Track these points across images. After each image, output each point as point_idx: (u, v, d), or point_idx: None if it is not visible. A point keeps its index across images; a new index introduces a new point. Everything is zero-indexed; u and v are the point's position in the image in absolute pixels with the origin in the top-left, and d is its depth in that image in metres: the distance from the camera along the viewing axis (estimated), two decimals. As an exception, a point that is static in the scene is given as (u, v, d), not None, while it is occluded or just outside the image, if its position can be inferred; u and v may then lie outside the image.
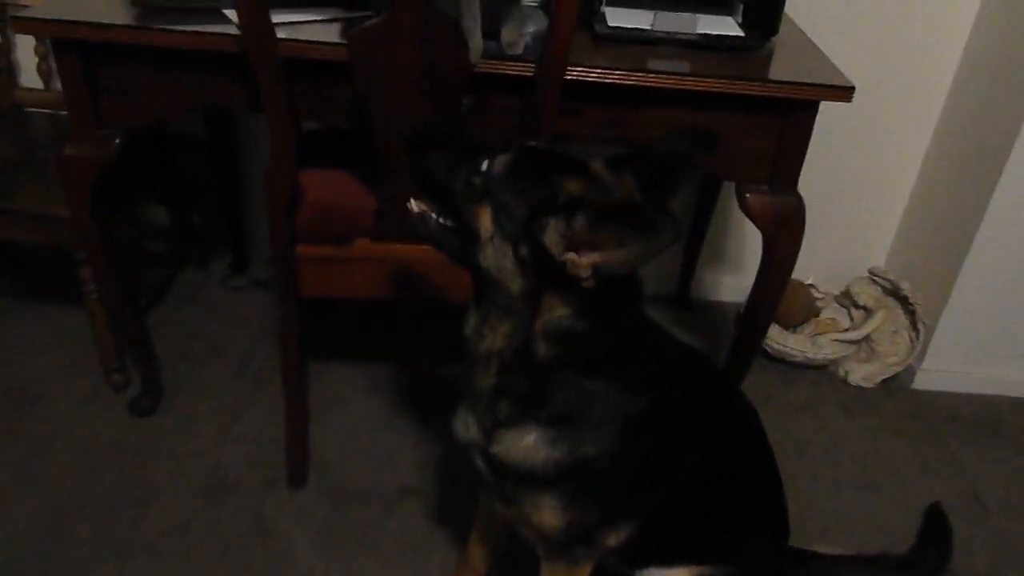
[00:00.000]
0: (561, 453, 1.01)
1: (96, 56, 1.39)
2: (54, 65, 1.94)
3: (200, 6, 1.39)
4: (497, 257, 0.93)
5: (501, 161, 0.95)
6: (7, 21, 1.90)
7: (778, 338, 2.12)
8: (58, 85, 1.96)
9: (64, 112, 1.91)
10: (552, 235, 0.88)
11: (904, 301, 2.12)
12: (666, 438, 1.06)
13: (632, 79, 1.35)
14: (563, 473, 1.01)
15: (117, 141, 1.47)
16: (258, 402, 1.86)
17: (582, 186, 0.92)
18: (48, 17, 1.35)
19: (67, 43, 1.38)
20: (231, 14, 1.35)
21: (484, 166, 0.95)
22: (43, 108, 1.99)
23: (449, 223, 1.00)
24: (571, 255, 0.88)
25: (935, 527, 1.55)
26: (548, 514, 1.07)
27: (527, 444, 1.02)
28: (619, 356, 0.99)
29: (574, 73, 1.31)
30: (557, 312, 0.94)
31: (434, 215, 1.02)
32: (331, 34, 1.36)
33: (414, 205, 1.04)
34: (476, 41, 1.26)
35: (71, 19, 1.34)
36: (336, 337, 2.07)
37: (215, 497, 1.63)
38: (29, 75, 2.01)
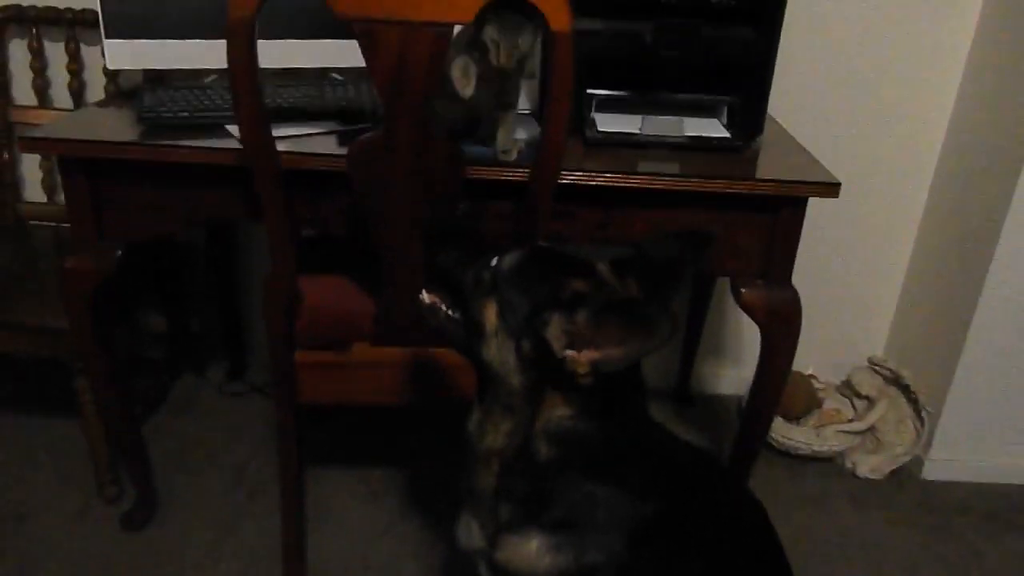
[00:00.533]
0: (566, 560, 0.98)
1: (100, 171, 1.43)
2: (58, 179, 2.01)
3: (203, 122, 1.44)
4: (500, 351, 0.95)
5: (511, 259, 0.98)
6: (13, 139, 1.96)
7: (782, 430, 2.09)
8: (61, 198, 2.02)
9: (66, 224, 1.95)
10: (554, 330, 0.90)
11: (906, 390, 2.11)
12: (674, 545, 1.03)
13: (624, 182, 1.38)
14: None
15: (118, 253, 1.49)
16: (254, 513, 1.81)
17: (586, 285, 0.94)
18: (55, 136, 1.40)
19: (72, 160, 1.42)
20: (233, 129, 1.40)
21: (494, 262, 0.98)
22: (46, 221, 2.02)
23: (457, 316, 1.03)
24: (571, 352, 0.90)
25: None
26: None
27: (530, 550, 1.00)
28: (623, 458, 0.98)
29: (567, 177, 1.35)
30: (558, 411, 0.94)
31: (444, 307, 1.05)
32: (329, 146, 1.40)
33: (425, 297, 1.07)
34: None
35: (78, 138, 1.39)
36: (334, 442, 2.04)
37: (209, 616, 1.57)
38: (33, 188, 2.05)
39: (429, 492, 1.91)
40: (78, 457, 1.90)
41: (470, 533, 1.07)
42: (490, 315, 0.96)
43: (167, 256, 2.07)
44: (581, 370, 0.89)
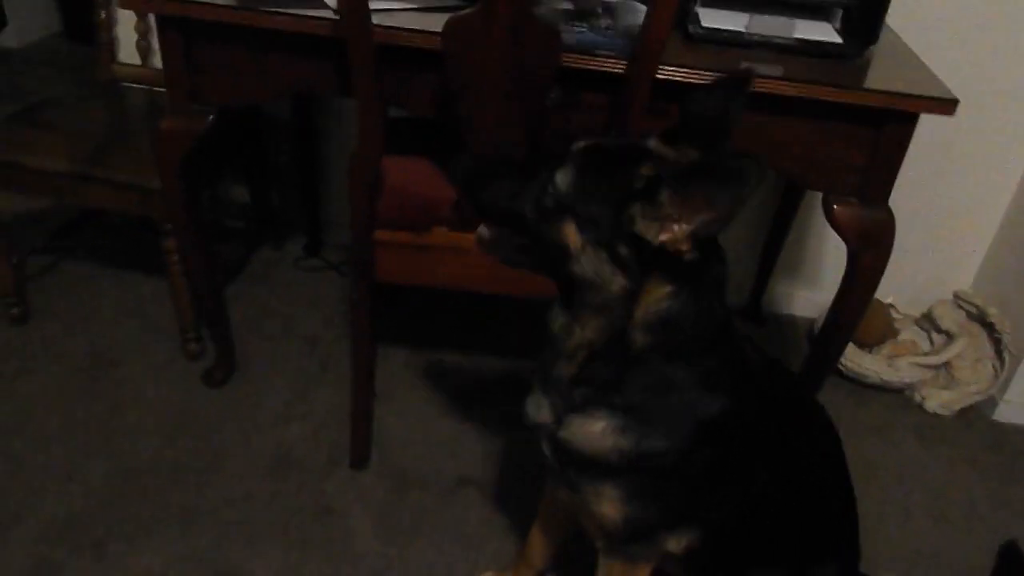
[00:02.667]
0: (628, 443, 1.00)
1: (196, 34, 1.43)
2: (152, 42, 2.03)
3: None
4: (593, 264, 0.93)
5: (565, 175, 0.96)
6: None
7: (853, 357, 2.05)
8: (155, 62, 2.05)
9: (158, 88, 1.99)
10: (643, 222, 0.89)
11: (990, 328, 2.03)
12: (739, 446, 1.03)
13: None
14: (627, 463, 1.00)
15: (210, 118, 1.51)
16: (325, 383, 1.89)
17: (650, 167, 0.92)
18: (154, -5, 1.40)
19: (170, 20, 1.43)
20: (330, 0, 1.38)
21: (550, 186, 0.96)
22: (139, 83, 2.06)
23: (526, 242, 1.01)
24: (666, 235, 0.88)
25: (1009, 566, 1.47)
26: (608, 505, 1.06)
27: (595, 430, 1.02)
28: (705, 344, 0.98)
29: (665, 72, 1.29)
30: (656, 299, 0.94)
31: (507, 238, 1.03)
32: (422, 21, 1.37)
33: (485, 233, 1.06)
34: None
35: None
36: (405, 322, 2.09)
37: (279, 471, 1.67)
38: (128, 51, 2.08)
39: (495, 378, 1.96)
40: (165, 313, 2.01)
41: (539, 409, 1.10)
42: (569, 234, 0.94)
43: (253, 128, 2.09)
44: (684, 246, 0.88)
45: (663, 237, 0.88)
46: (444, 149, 1.50)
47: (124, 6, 1.41)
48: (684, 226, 0.87)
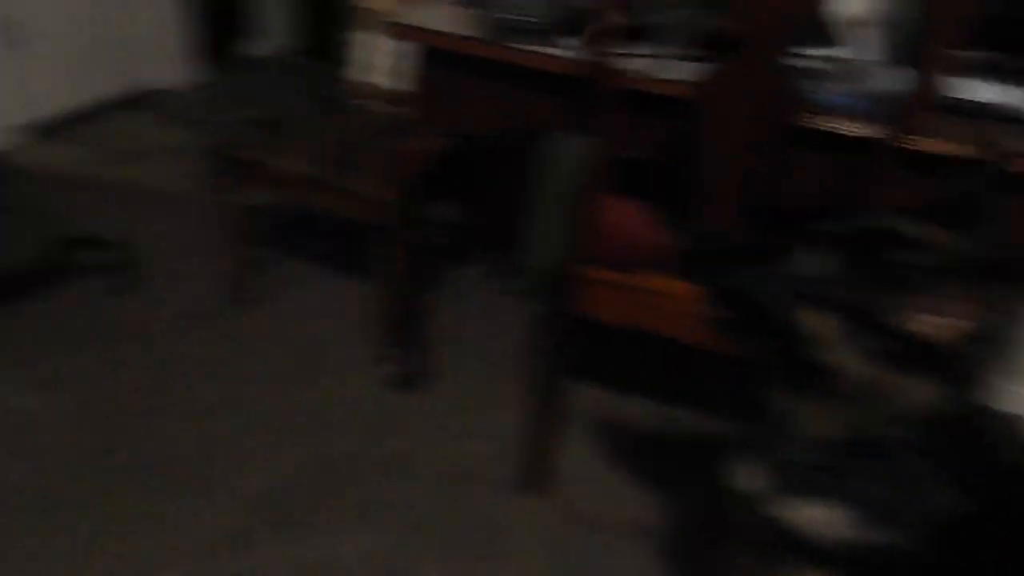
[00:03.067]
0: (859, 535, 0.94)
1: (444, 63, 1.54)
2: (391, 65, 2.19)
3: (545, 29, 1.49)
4: (846, 355, 0.89)
5: (815, 258, 0.91)
6: (357, 21, 2.15)
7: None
8: (389, 82, 2.21)
9: (394, 108, 2.14)
10: (913, 315, 0.84)
11: None
12: (979, 553, 0.95)
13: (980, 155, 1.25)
14: (850, 554, 0.95)
15: (448, 142, 1.61)
16: (510, 405, 1.94)
17: (919, 254, 0.86)
18: (417, 25, 1.52)
19: (427, 50, 1.54)
20: (572, 41, 1.43)
21: (799, 270, 0.91)
22: (373, 101, 2.22)
23: (761, 327, 0.96)
24: (944, 328, 0.82)
25: None
26: None
27: (825, 517, 0.97)
28: (959, 442, 0.91)
29: (915, 142, 1.24)
30: (915, 395, 0.88)
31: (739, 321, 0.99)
32: (662, 69, 1.39)
33: (715, 311, 1.01)
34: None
35: (436, 29, 1.50)
36: (600, 359, 2.10)
37: (458, 484, 1.72)
38: (366, 70, 2.26)
39: (682, 430, 1.93)
40: (368, 317, 2.14)
41: (751, 479, 1.07)
42: (821, 323, 0.89)
43: (469, 151, 2.20)
44: (960, 344, 0.82)
45: (935, 333, 0.83)
46: (661, 192, 1.53)
47: (386, 34, 1.53)
48: (960, 323, 0.81)
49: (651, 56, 1.40)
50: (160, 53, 3.27)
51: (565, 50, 1.43)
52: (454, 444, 1.82)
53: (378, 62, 2.19)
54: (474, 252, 2.44)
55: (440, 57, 1.53)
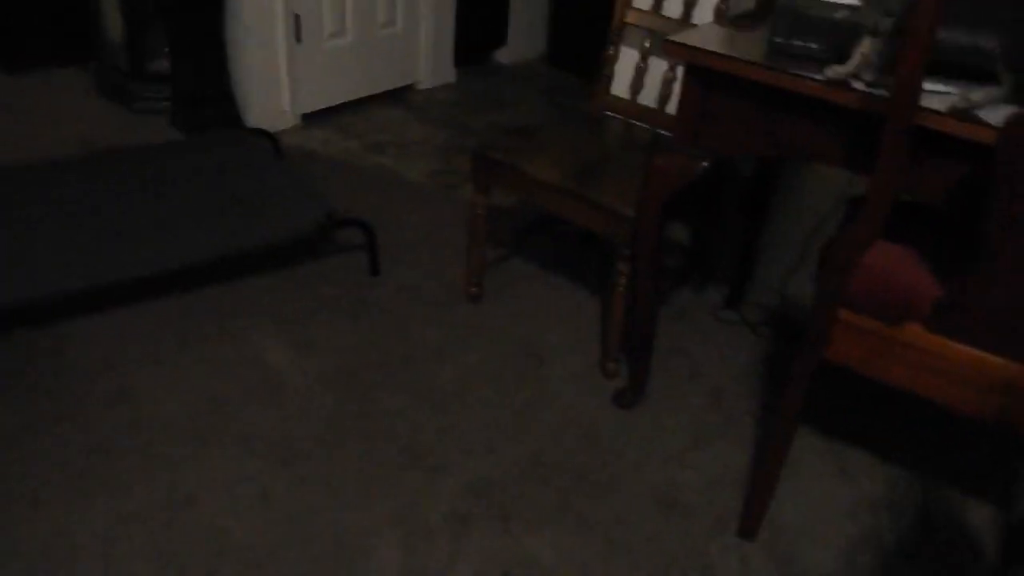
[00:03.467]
0: None
1: (716, 84, 1.51)
2: (644, 81, 2.19)
3: (823, 57, 1.42)
4: None
5: None
6: (622, 37, 2.17)
7: None
8: (641, 98, 2.21)
9: (648, 124, 2.15)
10: None
11: None
12: None
13: None
14: None
15: (703, 164, 1.59)
16: (725, 437, 1.88)
17: None
18: (692, 44, 1.51)
19: (696, 69, 1.52)
20: (849, 69, 1.35)
21: None
22: (622, 115, 2.24)
23: None
24: None
25: None
26: None
27: None
28: None
29: None
30: None
31: None
32: (967, 109, 1.28)
33: None
34: None
35: (711, 49, 1.48)
36: (836, 404, 1.98)
37: (665, 511, 1.69)
38: (619, 85, 2.28)
39: (919, 495, 1.77)
40: (591, 327, 2.16)
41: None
42: None
43: (713, 174, 2.15)
44: None
45: None
46: (938, 241, 1.40)
47: (667, 52, 1.53)
48: None
49: (954, 94, 1.29)
50: (424, 54, 3.51)
51: (848, 80, 1.35)
52: (666, 469, 1.79)
53: (637, 78, 2.20)
54: (704, 277, 2.38)
55: (706, 77, 1.51)
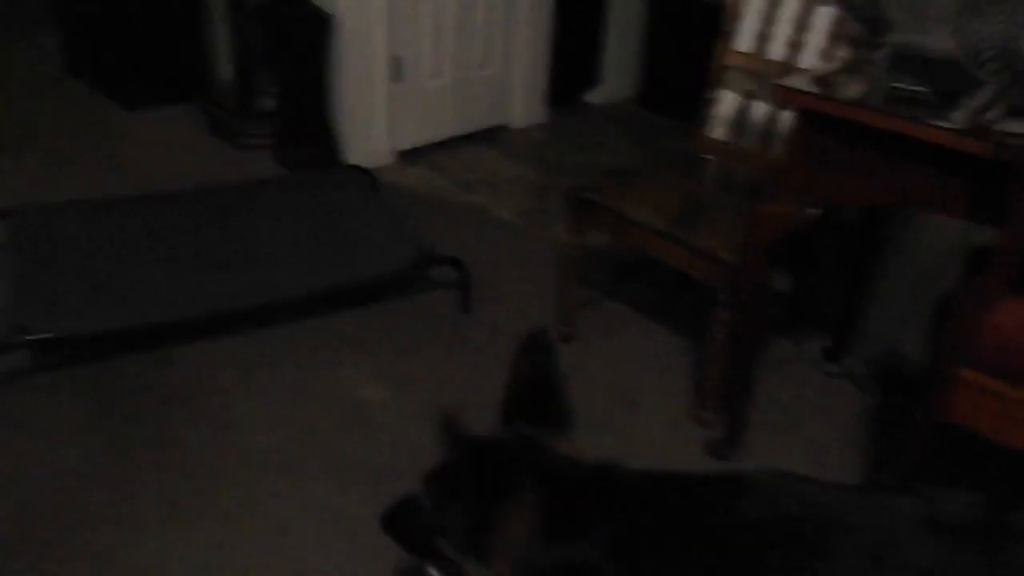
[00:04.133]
0: None
1: (829, 131, 1.46)
2: (746, 120, 2.15)
3: (941, 102, 1.36)
4: None
5: None
6: (725, 82, 2.15)
7: None
8: (742, 140, 2.17)
9: (751, 169, 2.11)
10: None
11: None
12: None
13: None
14: None
15: (812, 212, 1.53)
16: (828, 497, 1.78)
17: None
18: (801, 89, 1.47)
19: (807, 114, 1.48)
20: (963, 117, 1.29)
21: None
22: (720, 158, 2.20)
23: None
24: None
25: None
26: None
27: None
28: None
29: None
30: None
31: None
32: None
33: None
34: None
35: (821, 94, 1.43)
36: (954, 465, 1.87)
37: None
38: (718, 127, 2.24)
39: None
40: (685, 372, 2.11)
41: None
42: None
43: (828, 222, 2.08)
44: None
45: None
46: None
47: (775, 98, 1.50)
48: None
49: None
50: (518, 94, 3.55)
51: (978, 128, 1.29)
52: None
53: (737, 120, 2.16)
54: (804, 327, 2.30)
55: (819, 123, 1.46)
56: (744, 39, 2.13)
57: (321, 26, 2.87)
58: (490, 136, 3.50)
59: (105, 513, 1.63)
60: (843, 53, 1.44)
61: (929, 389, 1.38)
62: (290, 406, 1.95)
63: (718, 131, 2.23)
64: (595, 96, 3.97)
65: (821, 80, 1.44)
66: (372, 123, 3.12)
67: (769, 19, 2.07)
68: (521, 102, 3.58)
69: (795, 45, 2.04)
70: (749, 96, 2.13)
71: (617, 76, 3.98)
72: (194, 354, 2.09)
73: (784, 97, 1.48)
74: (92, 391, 1.94)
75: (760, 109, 2.13)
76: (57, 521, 1.61)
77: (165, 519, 1.63)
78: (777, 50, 2.09)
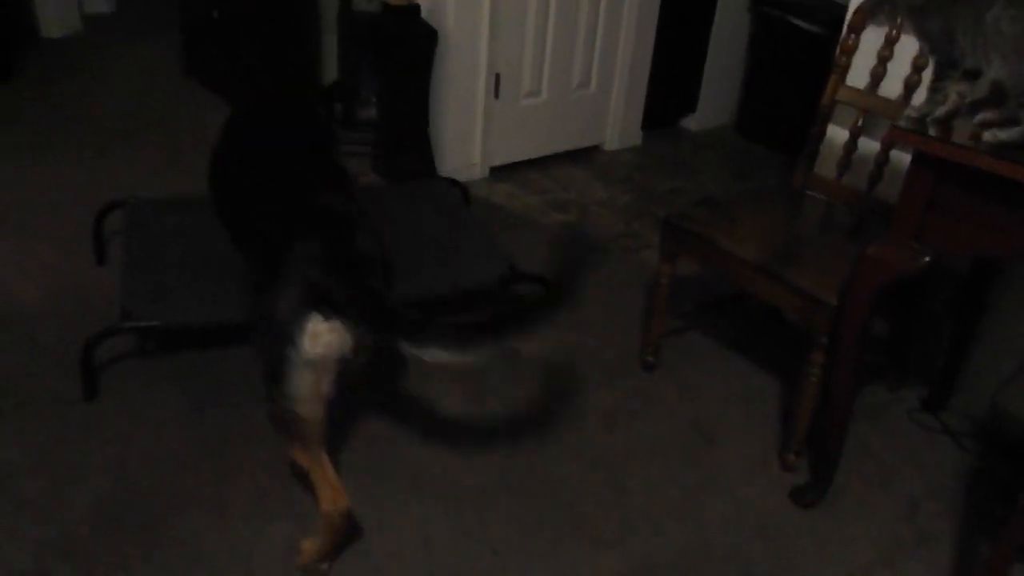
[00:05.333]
0: None
1: (948, 175, 1.40)
2: (853, 161, 2.09)
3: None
4: None
5: None
6: (829, 112, 2.09)
7: None
8: (848, 178, 2.11)
9: (857, 209, 2.04)
10: None
11: None
12: None
13: None
14: None
15: (925, 259, 1.47)
16: (920, 558, 1.70)
17: None
18: (922, 132, 1.41)
19: (925, 156, 1.42)
20: None
21: None
22: (824, 195, 2.14)
23: None
24: None
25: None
26: None
27: None
28: None
29: None
30: None
31: None
32: None
33: None
34: None
35: (943, 138, 1.38)
36: None
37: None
38: (826, 164, 2.18)
39: None
40: (771, 412, 2.06)
41: None
42: None
43: (938, 269, 1.99)
44: None
45: None
46: None
47: (888, 138, 1.45)
48: None
49: None
50: (613, 116, 3.54)
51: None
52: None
53: (844, 157, 2.09)
54: (902, 375, 2.20)
55: (938, 167, 1.40)
56: (857, 75, 2.07)
57: (428, 42, 2.93)
58: (583, 156, 3.50)
59: (194, 502, 1.69)
60: (954, 94, 1.40)
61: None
62: (373, 410, 1.98)
63: (823, 167, 2.17)
64: (691, 122, 3.93)
65: (938, 120, 1.39)
66: (469, 138, 3.16)
67: (885, 56, 2.01)
68: (616, 124, 3.57)
69: (911, 83, 1.97)
70: (858, 133, 2.07)
71: (715, 102, 3.92)
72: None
73: (902, 139, 1.42)
74: (193, 379, 2.02)
75: (870, 147, 2.07)
76: (148, 505, 1.68)
77: (250, 513, 1.68)
78: (892, 87, 2.03)
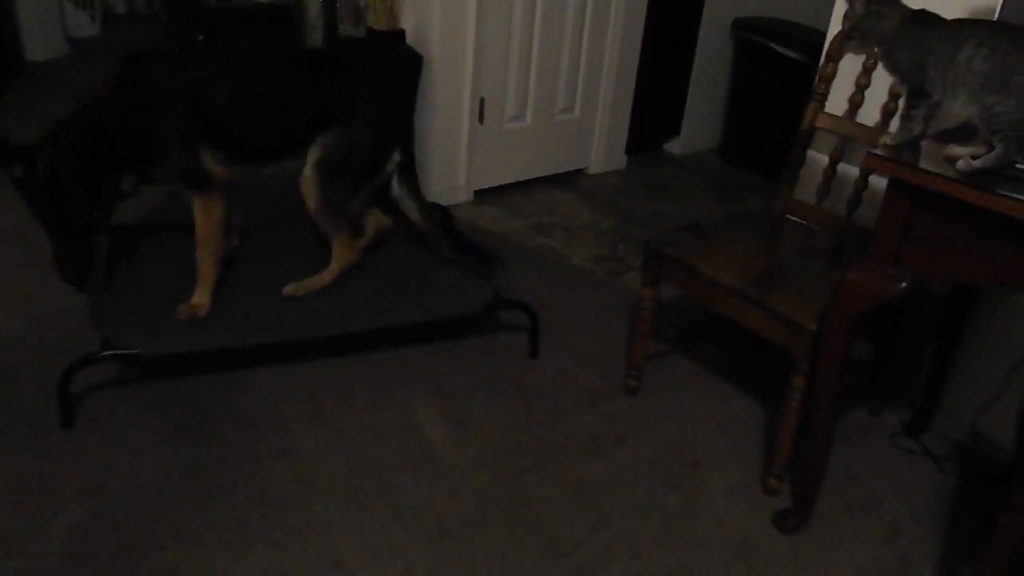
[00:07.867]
0: None
1: (922, 202, 1.42)
2: (832, 187, 2.11)
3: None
4: None
5: None
6: (810, 143, 2.11)
7: None
8: (826, 204, 2.13)
9: (835, 234, 2.06)
10: None
11: None
12: None
13: None
14: None
15: (902, 285, 1.49)
16: (902, 583, 1.70)
17: None
18: (890, 157, 1.43)
19: (900, 184, 1.44)
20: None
21: None
22: (804, 220, 2.15)
23: None
24: None
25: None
26: None
27: None
28: None
29: None
30: None
31: None
32: None
33: None
34: None
35: (921, 167, 1.40)
36: None
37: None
38: (803, 188, 2.20)
39: None
40: (753, 437, 2.06)
41: None
42: None
43: (917, 295, 2.01)
44: None
45: None
46: None
47: (865, 164, 1.47)
48: None
49: None
50: (598, 140, 3.57)
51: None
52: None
53: (824, 184, 2.11)
54: (883, 399, 2.21)
55: (914, 195, 1.42)
56: (836, 102, 2.10)
57: (413, 67, 2.95)
58: (567, 180, 3.52)
59: (171, 532, 1.67)
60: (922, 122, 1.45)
61: (1014, 489, 1.31)
62: (355, 437, 1.97)
63: (802, 193, 2.19)
64: (676, 146, 3.96)
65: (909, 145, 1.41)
66: (454, 161, 3.18)
67: (862, 84, 2.04)
68: (600, 148, 3.60)
69: (889, 110, 2.00)
70: (837, 159, 2.09)
71: (698, 127, 3.96)
72: (267, 379, 2.13)
73: (877, 166, 1.44)
74: (172, 407, 2.00)
75: (849, 172, 2.09)
76: (124, 536, 1.65)
77: (227, 543, 1.66)
78: (870, 114, 2.05)
